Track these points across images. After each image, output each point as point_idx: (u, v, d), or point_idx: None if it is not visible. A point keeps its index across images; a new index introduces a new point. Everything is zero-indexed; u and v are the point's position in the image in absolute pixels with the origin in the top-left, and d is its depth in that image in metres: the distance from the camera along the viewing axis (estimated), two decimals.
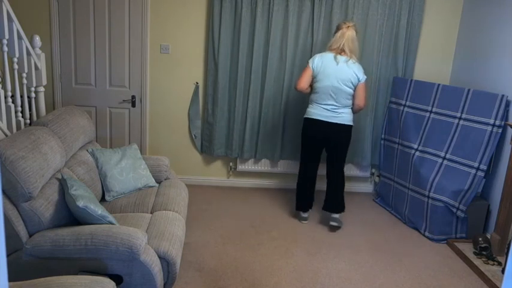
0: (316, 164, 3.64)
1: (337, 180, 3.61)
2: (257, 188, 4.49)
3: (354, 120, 3.51)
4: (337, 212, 3.59)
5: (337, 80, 3.32)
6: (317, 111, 3.42)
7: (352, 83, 3.35)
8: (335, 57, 3.35)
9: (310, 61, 3.43)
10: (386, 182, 4.18)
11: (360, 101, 3.43)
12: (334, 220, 3.56)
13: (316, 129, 3.44)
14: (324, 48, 4.06)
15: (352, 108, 3.48)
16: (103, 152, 3.08)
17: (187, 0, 4.06)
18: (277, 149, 4.27)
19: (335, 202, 3.60)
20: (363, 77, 3.39)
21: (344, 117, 3.41)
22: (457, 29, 4.24)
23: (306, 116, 3.52)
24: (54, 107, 4.15)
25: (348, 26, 3.37)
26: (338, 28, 3.43)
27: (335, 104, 3.38)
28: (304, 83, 3.42)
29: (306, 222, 3.70)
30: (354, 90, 3.40)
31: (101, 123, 4.23)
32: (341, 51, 3.36)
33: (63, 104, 4.17)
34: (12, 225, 2.13)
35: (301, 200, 3.68)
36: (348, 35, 3.35)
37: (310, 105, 3.50)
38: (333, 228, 3.60)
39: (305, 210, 3.68)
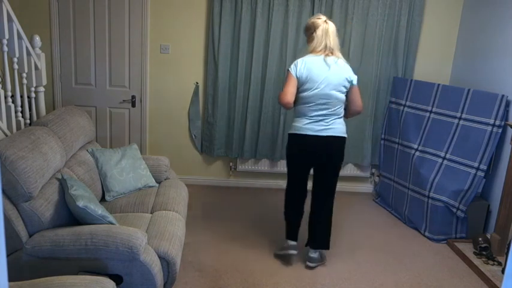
0: (305, 188, 3.04)
1: (323, 210, 2.98)
2: (257, 188, 4.49)
3: (347, 128, 2.93)
4: (321, 248, 3.02)
5: (329, 87, 2.76)
6: (306, 126, 2.83)
7: (345, 87, 2.82)
8: (325, 60, 2.78)
9: (293, 68, 2.81)
10: (386, 182, 4.17)
11: (358, 106, 2.90)
12: (312, 260, 2.99)
13: (305, 147, 2.87)
14: None
15: (345, 115, 2.95)
16: (103, 152, 3.08)
17: (187, 1, 4.06)
18: (277, 149, 4.27)
19: (321, 235, 3.00)
20: (355, 78, 2.86)
21: (336, 128, 2.83)
22: (457, 29, 4.24)
23: (291, 131, 2.91)
24: (54, 107, 4.15)
25: (325, 20, 2.82)
26: (312, 27, 2.83)
27: (326, 114, 2.81)
28: (291, 96, 2.79)
29: (295, 252, 3.04)
30: (347, 95, 2.88)
31: (101, 123, 4.23)
32: (329, 52, 2.80)
33: (63, 104, 4.17)
34: (12, 225, 2.13)
35: (294, 228, 3.07)
36: (331, 30, 2.80)
37: (297, 119, 2.90)
38: (310, 268, 3.01)
39: (296, 239, 3.07)
